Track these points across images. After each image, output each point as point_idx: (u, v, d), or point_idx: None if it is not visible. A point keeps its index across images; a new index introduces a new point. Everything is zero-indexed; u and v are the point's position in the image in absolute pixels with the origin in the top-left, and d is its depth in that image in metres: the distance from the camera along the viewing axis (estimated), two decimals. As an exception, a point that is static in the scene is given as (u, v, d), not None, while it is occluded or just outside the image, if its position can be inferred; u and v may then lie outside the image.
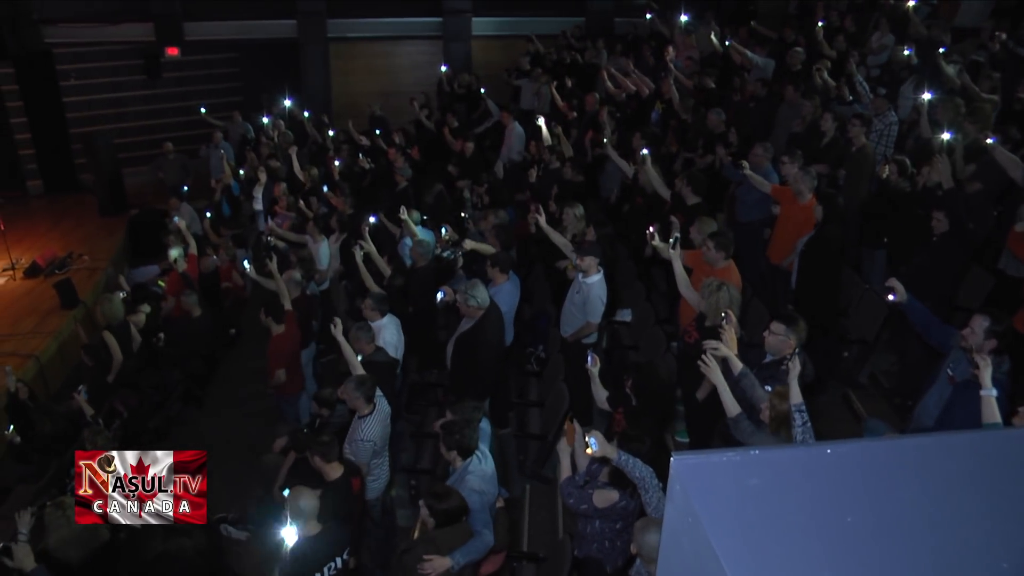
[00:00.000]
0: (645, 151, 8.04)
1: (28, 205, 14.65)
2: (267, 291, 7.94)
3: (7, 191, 13.29)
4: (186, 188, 12.03)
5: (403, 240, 8.40)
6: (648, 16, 14.59)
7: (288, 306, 7.29)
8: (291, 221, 9.67)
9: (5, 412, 7.26)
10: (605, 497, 4.35)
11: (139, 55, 15.72)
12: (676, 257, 5.96)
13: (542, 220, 7.13)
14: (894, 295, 5.00)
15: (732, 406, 4.41)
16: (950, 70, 8.47)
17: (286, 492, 5.35)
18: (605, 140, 9.10)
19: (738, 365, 4.57)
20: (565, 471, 4.61)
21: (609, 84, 11.41)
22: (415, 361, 7.97)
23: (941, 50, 8.92)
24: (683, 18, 12.76)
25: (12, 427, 6.72)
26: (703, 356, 4.46)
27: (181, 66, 16.21)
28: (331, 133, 12.76)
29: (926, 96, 7.86)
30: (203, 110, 13.78)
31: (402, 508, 6.35)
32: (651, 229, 6.59)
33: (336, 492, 5.08)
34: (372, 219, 8.48)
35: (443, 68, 15.03)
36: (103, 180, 13.87)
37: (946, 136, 7.22)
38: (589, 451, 4.00)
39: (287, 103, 13.78)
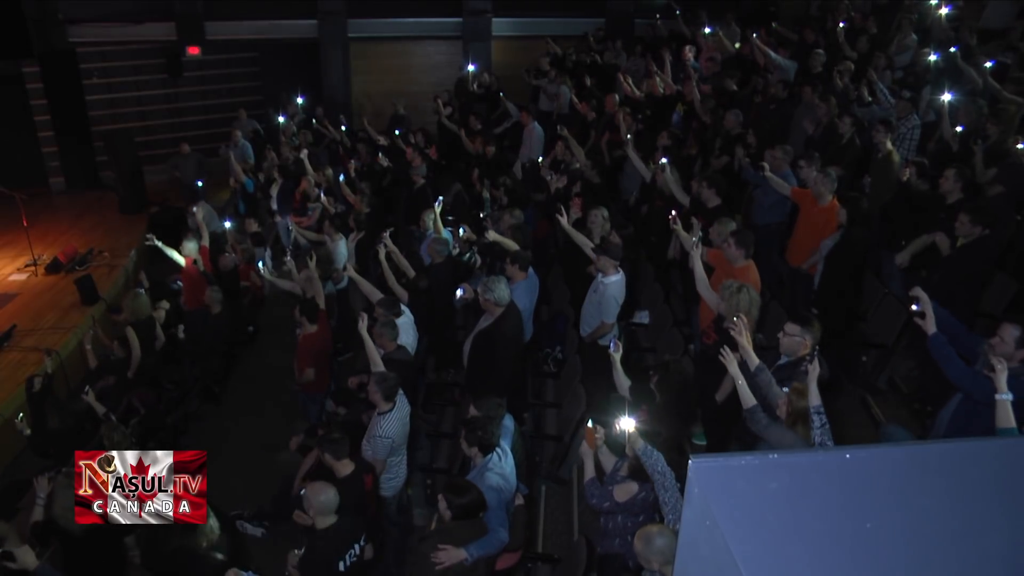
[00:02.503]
0: (664, 160, 8.01)
1: (50, 201, 14.82)
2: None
3: (30, 187, 13.39)
4: (200, 183, 12.08)
5: (424, 241, 8.41)
6: (658, 17, 14.58)
7: (322, 304, 7.29)
8: (318, 214, 9.80)
9: (27, 404, 7.27)
10: (625, 491, 4.38)
11: (161, 54, 15.87)
12: (697, 257, 5.95)
13: (564, 221, 7.13)
14: (918, 304, 4.94)
15: (748, 398, 4.39)
16: (971, 70, 8.38)
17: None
18: (629, 136, 9.06)
19: (754, 360, 4.56)
20: (589, 473, 4.62)
21: (626, 86, 11.38)
22: (432, 361, 7.98)
23: (953, 49, 8.85)
24: (707, 30, 12.72)
25: (21, 416, 6.73)
26: (722, 348, 4.47)
27: (202, 65, 16.35)
28: (343, 127, 12.81)
29: (946, 97, 7.77)
30: None
31: (418, 507, 6.35)
32: (673, 213, 6.61)
33: (347, 489, 5.10)
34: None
35: (470, 68, 14.93)
36: (124, 178, 14.00)
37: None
38: (624, 427, 4.17)
39: (300, 100, 13.87)
